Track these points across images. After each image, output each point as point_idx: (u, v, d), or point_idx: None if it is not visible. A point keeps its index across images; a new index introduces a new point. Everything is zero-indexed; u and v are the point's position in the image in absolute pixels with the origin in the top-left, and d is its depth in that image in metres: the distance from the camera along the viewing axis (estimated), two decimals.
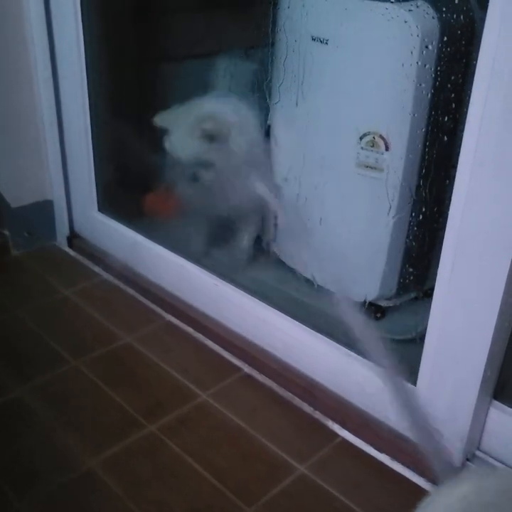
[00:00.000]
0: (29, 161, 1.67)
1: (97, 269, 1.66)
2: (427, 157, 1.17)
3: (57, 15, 1.51)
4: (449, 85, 1.12)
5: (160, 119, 1.38)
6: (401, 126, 1.13)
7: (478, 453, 1.06)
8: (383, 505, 1.04)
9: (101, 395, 1.24)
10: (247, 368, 1.32)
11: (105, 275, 1.63)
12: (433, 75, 1.10)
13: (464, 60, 1.12)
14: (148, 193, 1.72)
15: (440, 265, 0.98)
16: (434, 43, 1.08)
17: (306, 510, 1.03)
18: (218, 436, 1.16)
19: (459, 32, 1.10)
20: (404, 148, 1.15)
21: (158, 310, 1.51)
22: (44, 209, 1.73)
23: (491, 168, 0.87)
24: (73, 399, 1.24)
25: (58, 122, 1.63)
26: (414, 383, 1.08)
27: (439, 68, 1.10)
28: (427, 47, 1.08)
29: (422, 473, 1.07)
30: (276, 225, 1.45)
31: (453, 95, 1.14)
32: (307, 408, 1.22)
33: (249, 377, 1.31)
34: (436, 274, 0.99)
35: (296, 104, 1.26)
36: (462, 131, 0.90)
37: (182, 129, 1.36)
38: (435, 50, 1.09)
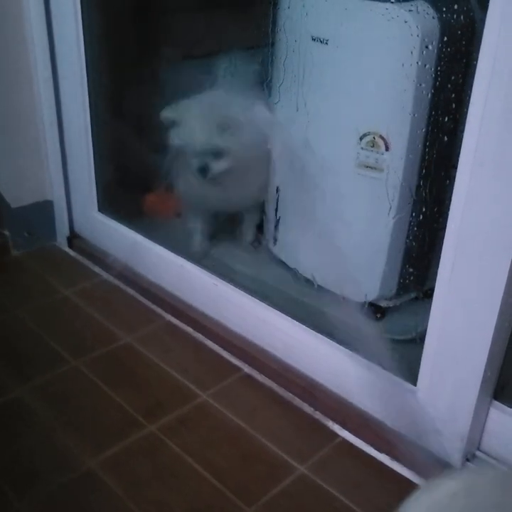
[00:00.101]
0: (29, 161, 1.67)
1: (97, 269, 1.66)
2: (427, 157, 1.17)
3: (57, 15, 1.51)
4: (449, 85, 1.12)
5: (168, 111, 1.38)
6: (401, 126, 1.13)
7: (478, 453, 1.06)
8: (383, 505, 1.03)
9: (101, 395, 1.24)
10: (247, 368, 1.32)
11: (105, 275, 1.63)
12: (433, 75, 1.10)
13: (464, 60, 1.12)
14: (148, 193, 1.73)
15: (440, 265, 0.98)
16: (434, 43, 1.08)
17: (306, 510, 1.03)
18: (218, 436, 1.16)
19: (459, 32, 1.10)
20: (405, 148, 1.15)
21: (158, 310, 1.50)
22: (44, 209, 1.73)
23: (491, 168, 0.87)
24: (73, 399, 1.24)
25: (58, 122, 1.63)
26: (415, 383, 1.08)
27: (439, 68, 1.10)
28: (427, 47, 1.08)
29: (422, 474, 1.07)
30: (276, 225, 1.45)
31: (453, 95, 1.14)
32: (307, 408, 1.22)
33: (249, 377, 1.30)
34: (436, 274, 0.99)
35: (296, 105, 1.26)
36: (462, 131, 0.90)
37: (195, 118, 1.36)
38: (435, 50, 1.09)
